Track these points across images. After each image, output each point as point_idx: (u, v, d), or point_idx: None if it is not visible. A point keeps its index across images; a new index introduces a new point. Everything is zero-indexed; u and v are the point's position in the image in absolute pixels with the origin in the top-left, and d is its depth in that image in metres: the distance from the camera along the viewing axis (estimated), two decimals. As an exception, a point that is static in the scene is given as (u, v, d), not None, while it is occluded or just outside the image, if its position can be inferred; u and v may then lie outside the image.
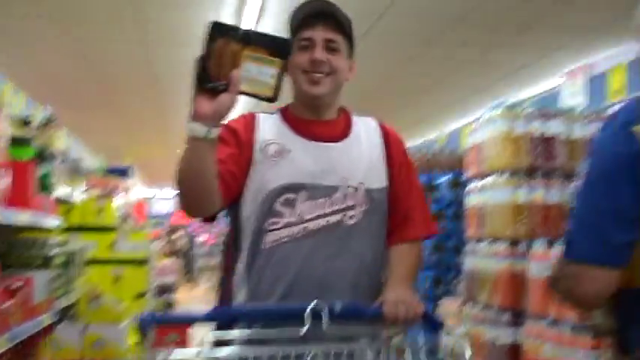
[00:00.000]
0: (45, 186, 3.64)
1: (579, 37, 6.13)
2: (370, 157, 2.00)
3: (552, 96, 7.29)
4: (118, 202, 5.92)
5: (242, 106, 1.73)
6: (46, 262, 3.56)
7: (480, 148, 4.13)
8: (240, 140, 1.92)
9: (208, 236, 19.08)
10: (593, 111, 4.03)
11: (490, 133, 3.98)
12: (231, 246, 1.99)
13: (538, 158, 3.79)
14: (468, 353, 1.64)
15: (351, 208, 1.92)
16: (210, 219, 1.90)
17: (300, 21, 1.94)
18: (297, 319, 1.63)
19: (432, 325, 1.78)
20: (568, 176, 3.68)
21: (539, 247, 3.50)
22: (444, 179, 5.43)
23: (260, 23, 5.80)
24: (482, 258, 3.99)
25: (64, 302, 3.80)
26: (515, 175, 3.79)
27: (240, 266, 1.93)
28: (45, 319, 3.30)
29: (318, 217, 1.89)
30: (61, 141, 4.48)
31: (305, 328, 1.62)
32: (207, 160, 1.70)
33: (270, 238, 1.88)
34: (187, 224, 18.89)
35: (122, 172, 8.94)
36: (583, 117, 3.86)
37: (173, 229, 18.21)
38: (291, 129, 1.98)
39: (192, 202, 1.81)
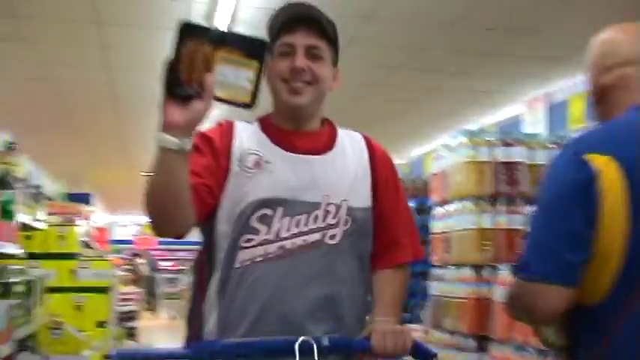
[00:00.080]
0: (6, 212, 3.57)
1: (541, 66, 6.26)
2: (355, 173, 1.85)
3: (514, 123, 7.42)
4: (80, 228, 5.83)
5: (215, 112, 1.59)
6: (5, 291, 3.48)
7: (445, 175, 4.17)
8: (215, 149, 1.77)
9: (171, 263, 18.90)
10: (554, 138, 4.11)
11: (454, 160, 4.03)
12: (204, 264, 1.83)
13: (502, 184, 3.84)
14: None
15: (332, 226, 1.77)
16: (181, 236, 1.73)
17: (280, 25, 1.79)
18: (283, 355, 1.55)
19: (424, 356, 1.69)
20: (531, 202, 3.73)
21: (504, 272, 3.53)
22: (409, 205, 5.45)
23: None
24: (447, 283, 4.01)
25: (23, 332, 3.71)
26: (480, 200, 3.83)
27: (213, 287, 1.77)
28: (4, 350, 3.21)
29: (295, 235, 1.74)
30: (22, 167, 4.41)
31: None
32: (179, 174, 1.55)
33: (243, 257, 1.73)
34: (150, 250, 18.67)
35: (83, 198, 8.82)
36: (545, 144, 3.94)
37: (135, 256, 17.97)
38: (271, 140, 1.83)
39: (163, 219, 1.63)
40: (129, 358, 1.50)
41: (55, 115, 8.60)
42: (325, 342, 1.58)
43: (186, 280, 17.01)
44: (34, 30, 5.58)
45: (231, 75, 1.49)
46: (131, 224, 20.67)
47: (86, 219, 7.04)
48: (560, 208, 1.55)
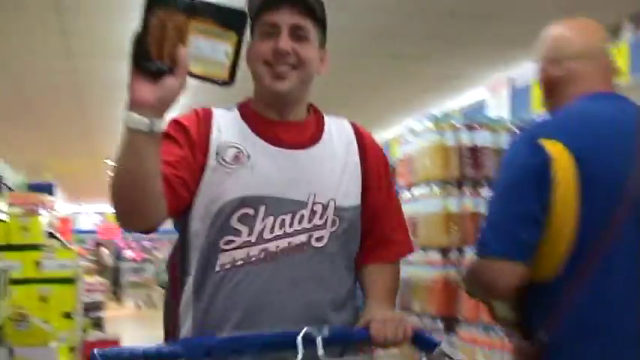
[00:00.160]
0: (-33, 204, 3.50)
1: (504, 50, 6.33)
2: (344, 168, 1.68)
3: (478, 107, 7.49)
4: (43, 219, 5.75)
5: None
6: (-31, 284, 3.42)
7: (411, 159, 4.20)
8: (192, 141, 1.59)
9: (136, 252, 18.73)
10: (518, 122, 4.16)
11: (420, 144, 4.06)
12: (177, 264, 1.69)
13: (467, 168, 3.88)
14: None
15: (319, 228, 1.61)
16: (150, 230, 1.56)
17: (262, 3, 1.61)
18: (282, 349, 1.46)
19: (426, 345, 1.57)
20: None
21: (470, 254, 3.58)
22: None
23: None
24: (415, 267, 4.05)
25: (-12, 325, 3.66)
26: (446, 185, 3.87)
27: (188, 288, 1.63)
28: (-31, 343, 3.17)
29: (279, 237, 1.58)
30: (-17, 157, 4.32)
31: (299, 358, 1.42)
32: (148, 159, 1.38)
33: (223, 260, 1.58)
34: (114, 239, 18.49)
35: (45, 188, 8.68)
36: (509, 128, 3.99)
37: (99, 245, 17.78)
38: (252, 130, 1.65)
39: (130, 210, 1.47)
40: (112, 358, 1.39)
41: (14, 104, 8.44)
42: (325, 333, 1.47)
43: (152, 270, 16.91)
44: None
45: (207, 48, 1.33)
46: (95, 213, 20.45)
47: (50, 209, 6.93)
48: (517, 190, 1.67)
